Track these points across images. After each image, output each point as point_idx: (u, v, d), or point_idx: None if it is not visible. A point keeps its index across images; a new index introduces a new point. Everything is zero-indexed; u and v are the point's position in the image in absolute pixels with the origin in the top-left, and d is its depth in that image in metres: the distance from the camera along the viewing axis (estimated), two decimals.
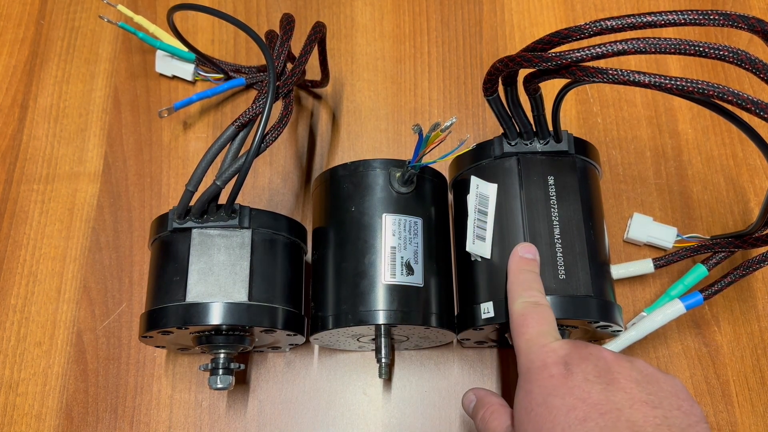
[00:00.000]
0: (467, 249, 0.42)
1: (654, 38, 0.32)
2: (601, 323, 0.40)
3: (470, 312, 0.42)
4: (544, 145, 0.43)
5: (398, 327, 0.41)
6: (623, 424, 0.30)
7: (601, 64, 0.35)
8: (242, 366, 0.44)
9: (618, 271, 0.48)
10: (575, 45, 0.34)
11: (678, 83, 0.32)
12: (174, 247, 0.42)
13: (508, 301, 0.39)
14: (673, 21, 0.32)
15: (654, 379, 0.33)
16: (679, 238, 0.50)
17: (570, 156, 0.43)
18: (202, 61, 0.56)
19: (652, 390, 0.32)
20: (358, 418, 0.48)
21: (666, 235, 0.50)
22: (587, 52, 0.33)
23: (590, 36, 0.34)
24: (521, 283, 0.39)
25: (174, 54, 0.57)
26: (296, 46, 0.49)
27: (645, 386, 0.33)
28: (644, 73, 0.33)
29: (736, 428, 0.47)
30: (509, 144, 0.43)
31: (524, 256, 0.40)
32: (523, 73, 0.38)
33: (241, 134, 0.41)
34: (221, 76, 0.57)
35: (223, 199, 0.42)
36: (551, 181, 0.42)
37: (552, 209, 0.42)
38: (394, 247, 0.42)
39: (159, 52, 0.58)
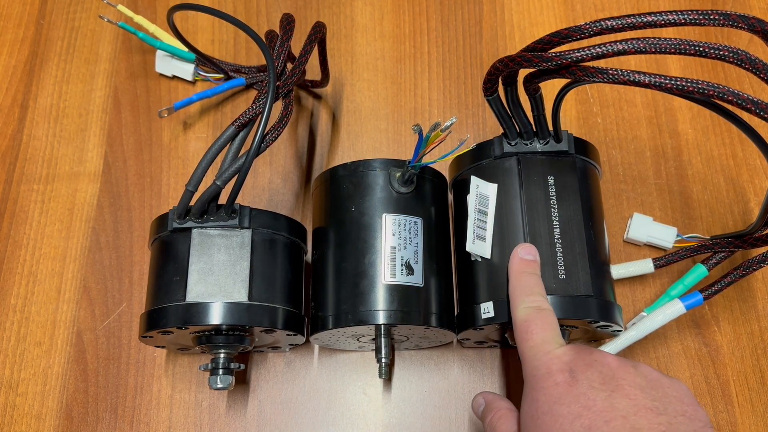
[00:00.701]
0: (467, 249, 0.42)
1: (654, 38, 0.32)
2: (601, 323, 0.40)
3: (470, 312, 0.42)
4: (544, 145, 0.43)
5: (398, 327, 0.41)
6: (628, 431, 0.30)
7: (601, 64, 0.35)
8: (242, 366, 0.44)
9: (618, 271, 0.48)
10: (575, 45, 0.34)
11: (678, 83, 0.32)
12: (174, 247, 0.42)
13: (511, 306, 0.39)
14: (673, 21, 0.32)
15: (659, 384, 0.33)
16: (679, 238, 0.50)
17: (570, 156, 0.43)
18: (202, 61, 0.56)
19: (657, 396, 0.33)
20: (358, 418, 0.48)
21: (666, 235, 0.50)
22: (587, 52, 0.33)
23: (590, 36, 0.34)
24: (523, 287, 0.39)
25: (174, 54, 0.57)
26: (296, 46, 0.49)
27: (649, 392, 0.33)
28: (644, 73, 0.33)
29: (736, 428, 0.47)
30: (509, 144, 0.43)
31: (524, 258, 0.40)
32: (523, 73, 0.38)
33: (241, 134, 0.41)
34: (221, 76, 0.57)
35: (223, 199, 0.42)
36: (551, 181, 0.42)
37: (552, 209, 0.42)
38: (394, 247, 0.42)
39: (159, 52, 0.58)
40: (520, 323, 0.37)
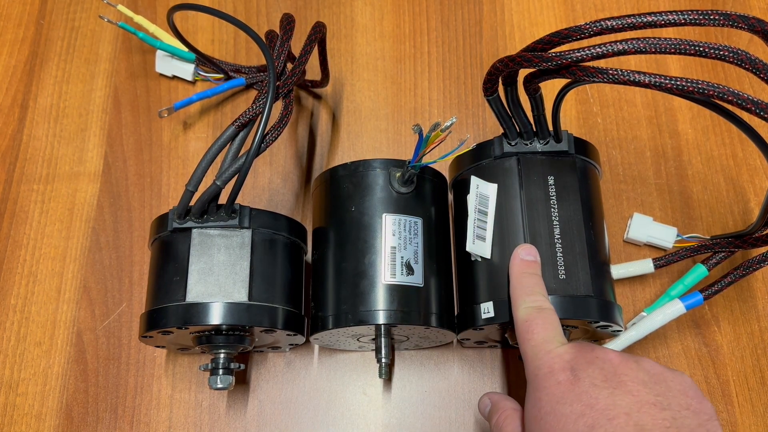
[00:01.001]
0: (467, 249, 0.42)
1: (654, 38, 0.32)
2: (601, 323, 0.40)
3: (470, 312, 0.42)
4: (544, 145, 0.43)
5: (398, 327, 0.41)
6: (632, 428, 0.30)
7: (601, 64, 0.35)
8: (242, 366, 0.44)
9: (618, 271, 0.48)
10: (575, 45, 0.34)
11: (678, 83, 0.32)
12: (174, 247, 0.42)
13: (512, 307, 0.39)
14: (673, 21, 0.32)
15: (662, 378, 0.33)
16: (679, 238, 0.50)
17: (570, 156, 0.43)
18: (202, 61, 0.56)
19: (660, 390, 0.32)
20: (358, 418, 0.48)
21: (666, 235, 0.50)
22: (587, 52, 0.33)
23: (590, 36, 0.34)
24: (524, 288, 0.39)
25: (174, 54, 0.57)
26: (296, 46, 0.49)
27: (653, 387, 0.32)
28: (644, 73, 0.33)
29: (736, 428, 0.47)
30: (509, 144, 0.43)
31: (525, 259, 0.40)
32: (523, 73, 0.38)
33: (241, 134, 0.41)
34: (221, 76, 0.57)
35: (223, 199, 0.42)
36: (551, 181, 0.42)
37: (552, 209, 0.42)
38: (394, 247, 0.42)
39: (159, 52, 0.58)
40: (522, 323, 0.37)
